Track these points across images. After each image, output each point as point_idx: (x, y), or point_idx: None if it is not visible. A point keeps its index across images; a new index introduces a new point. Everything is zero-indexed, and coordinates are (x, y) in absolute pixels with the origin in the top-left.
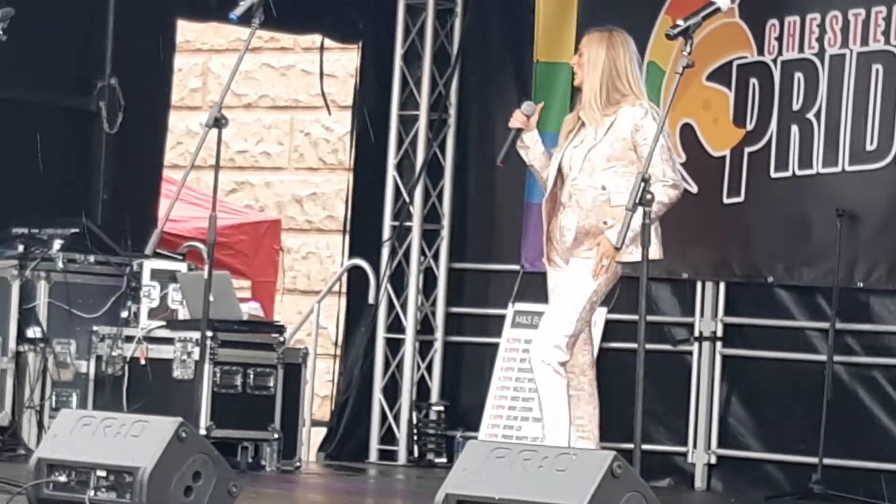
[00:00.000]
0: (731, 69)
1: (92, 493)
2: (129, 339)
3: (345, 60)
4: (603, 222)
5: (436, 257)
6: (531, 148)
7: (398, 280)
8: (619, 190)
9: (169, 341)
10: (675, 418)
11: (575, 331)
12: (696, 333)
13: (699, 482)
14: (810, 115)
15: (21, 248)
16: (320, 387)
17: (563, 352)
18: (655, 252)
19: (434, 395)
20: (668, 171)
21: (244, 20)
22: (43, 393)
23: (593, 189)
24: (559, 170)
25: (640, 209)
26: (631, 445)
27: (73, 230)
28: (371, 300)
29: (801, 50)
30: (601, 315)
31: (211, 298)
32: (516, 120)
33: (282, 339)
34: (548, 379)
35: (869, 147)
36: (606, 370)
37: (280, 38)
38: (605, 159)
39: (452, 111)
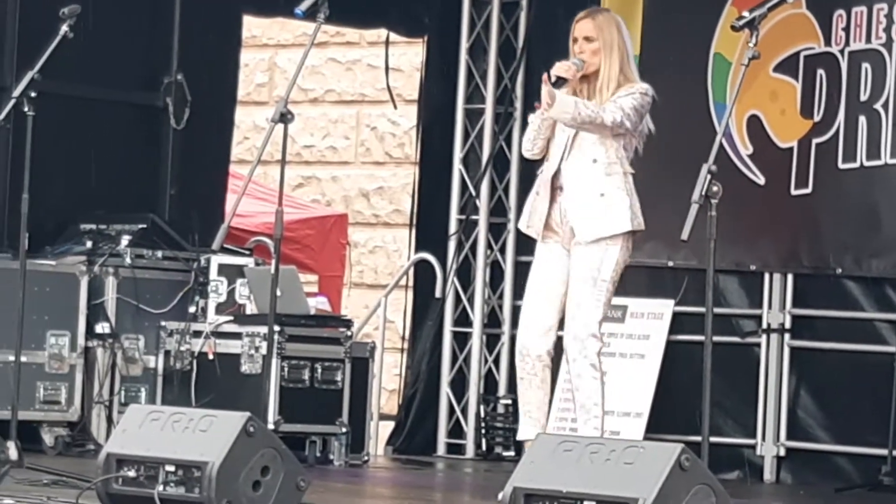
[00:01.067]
0: (798, 60)
1: (161, 487)
2: (196, 334)
3: (410, 54)
4: (600, 194)
5: (502, 251)
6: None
7: (465, 274)
8: (609, 161)
9: (237, 336)
10: (743, 410)
11: (604, 314)
12: (765, 325)
13: (768, 474)
14: (878, 106)
15: (89, 244)
16: (388, 381)
17: (598, 339)
18: (626, 223)
19: (501, 389)
20: (618, 115)
21: (310, 15)
22: (112, 388)
23: (584, 163)
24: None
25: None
26: (699, 438)
27: (140, 226)
28: (438, 294)
29: (868, 40)
30: (668, 307)
31: (278, 293)
32: (568, 70)
33: (349, 333)
34: (589, 378)
35: None
36: (674, 363)
37: (346, 32)
38: (597, 142)
39: (518, 104)
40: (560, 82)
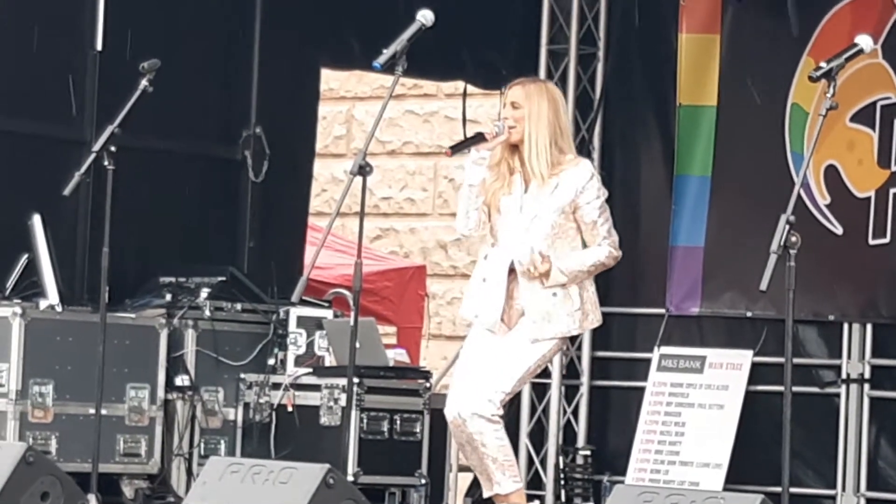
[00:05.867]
0: (875, 110)
1: None
2: (276, 386)
3: (487, 106)
4: (552, 294)
5: None
6: (481, 167)
7: None
8: (559, 258)
9: (316, 388)
10: (823, 461)
11: (511, 391)
12: (844, 375)
13: None
14: None
15: (169, 296)
16: None
17: (496, 406)
18: (594, 321)
19: (581, 440)
20: (613, 232)
21: (388, 68)
22: (191, 441)
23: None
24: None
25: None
26: (779, 488)
27: (220, 278)
28: None
29: None
30: (747, 358)
31: (357, 345)
32: (489, 129)
33: (428, 384)
34: (485, 428)
35: None
36: (753, 413)
37: (423, 84)
38: (550, 227)
39: (596, 155)
40: (481, 140)
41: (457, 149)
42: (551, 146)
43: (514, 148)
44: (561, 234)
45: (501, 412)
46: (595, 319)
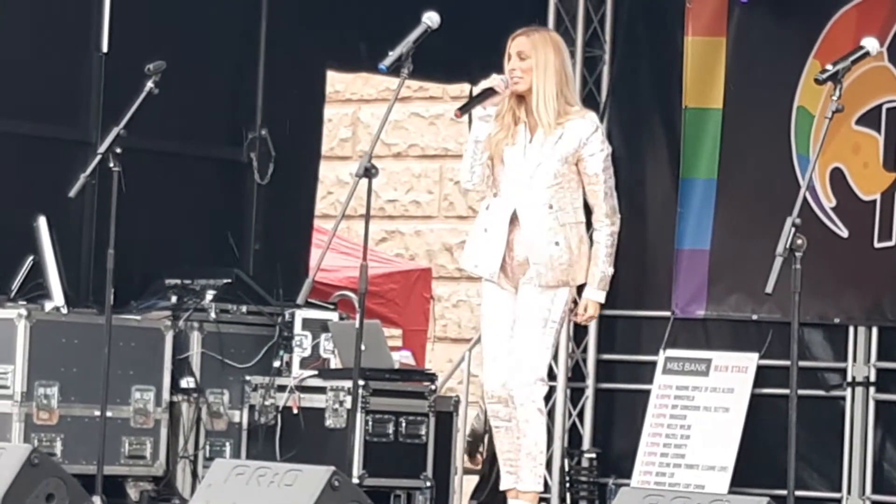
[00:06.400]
0: (881, 113)
1: None
2: (281, 388)
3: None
4: (554, 243)
5: None
6: (489, 124)
7: None
8: (562, 208)
9: (321, 390)
10: (828, 464)
11: (550, 356)
12: (849, 378)
13: None
14: None
15: (174, 299)
16: None
17: (545, 383)
18: (581, 275)
19: (586, 443)
20: (613, 192)
21: (393, 70)
22: (197, 443)
23: (540, 207)
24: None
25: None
26: (784, 491)
27: (225, 281)
28: None
29: None
30: (752, 361)
31: (362, 347)
32: (493, 81)
33: (433, 387)
34: (536, 421)
35: None
36: (759, 416)
37: (429, 87)
38: (553, 176)
39: None
40: (491, 94)
41: (466, 108)
42: (558, 95)
43: (521, 98)
44: (564, 184)
45: (547, 388)
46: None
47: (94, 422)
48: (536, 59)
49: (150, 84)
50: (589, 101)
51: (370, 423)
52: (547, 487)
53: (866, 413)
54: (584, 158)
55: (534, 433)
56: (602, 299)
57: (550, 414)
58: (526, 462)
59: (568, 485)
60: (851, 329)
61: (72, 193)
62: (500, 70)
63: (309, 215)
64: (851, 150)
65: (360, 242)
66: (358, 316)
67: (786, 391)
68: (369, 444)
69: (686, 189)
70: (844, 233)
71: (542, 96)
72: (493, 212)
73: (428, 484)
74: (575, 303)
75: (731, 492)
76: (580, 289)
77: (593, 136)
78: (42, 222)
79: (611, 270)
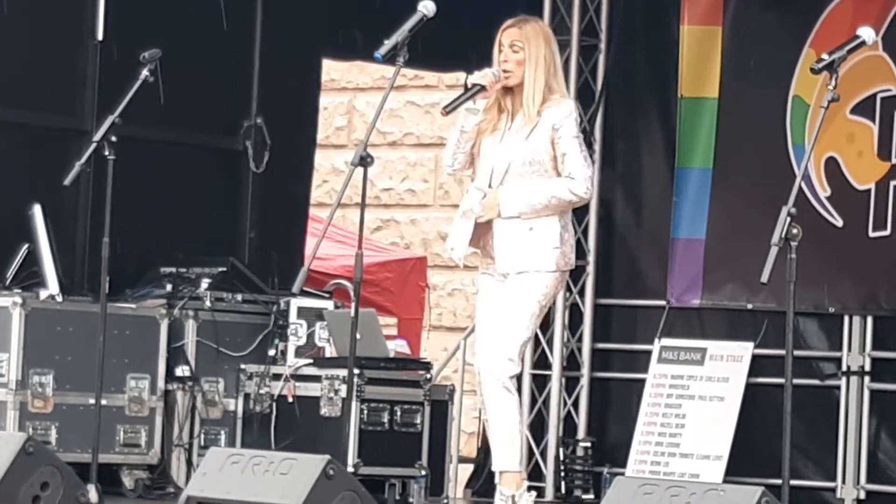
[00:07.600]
0: (875, 102)
1: None
2: (276, 377)
3: None
4: (529, 228)
5: (581, 293)
6: (477, 116)
7: (544, 316)
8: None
9: (316, 379)
10: (823, 453)
11: (527, 337)
12: (844, 368)
13: None
14: None
15: (169, 287)
16: (467, 423)
17: (515, 363)
18: (571, 263)
19: (581, 431)
20: (584, 169)
21: (389, 59)
22: (192, 431)
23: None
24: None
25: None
26: (779, 481)
27: (220, 269)
28: None
29: None
30: (747, 350)
31: (358, 336)
32: (485, 77)
33: (428, 376)
34: (500, 398)
35: None
36: (754, 405)
37: (424, 76)
38: (529, 163)
39: (597, 147)
40: (480, 91)
41: (452, 106)
42: (545, 88)
43: (508, 88)
44: (539, 170)
45: (520, 369)
46: (571, 262)
47: (89, 410)
48: (529, 51)
49: (145, 72)
50: (585, 90)
51: (365, 411)
52: (542, 476)
53: (861, 402)
54: (556, 141)
55: (500, 411)
56: (512, 208)
57: (546, 403)
58: (498, 440)
59: (563, 474)
60: (846, 318)
61: (67, 182)
62: (490, 55)
63: (304, 204)
64: (846, 140)
65: (355, 231)
66: (353, 304)
67: (781, 380)
68: (364, 433)
69: (682, 178)
70: (839, 222)
71: (532, 89)
72: (469, 195)
73: (423, 473)
74: (569, 290)
75: (725, 481)
76: (573, 274)
77: (566, 121)
78: (37, 210)
79: (534, 205)
